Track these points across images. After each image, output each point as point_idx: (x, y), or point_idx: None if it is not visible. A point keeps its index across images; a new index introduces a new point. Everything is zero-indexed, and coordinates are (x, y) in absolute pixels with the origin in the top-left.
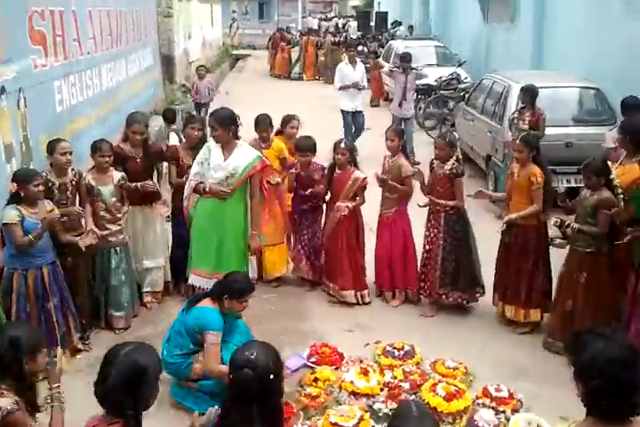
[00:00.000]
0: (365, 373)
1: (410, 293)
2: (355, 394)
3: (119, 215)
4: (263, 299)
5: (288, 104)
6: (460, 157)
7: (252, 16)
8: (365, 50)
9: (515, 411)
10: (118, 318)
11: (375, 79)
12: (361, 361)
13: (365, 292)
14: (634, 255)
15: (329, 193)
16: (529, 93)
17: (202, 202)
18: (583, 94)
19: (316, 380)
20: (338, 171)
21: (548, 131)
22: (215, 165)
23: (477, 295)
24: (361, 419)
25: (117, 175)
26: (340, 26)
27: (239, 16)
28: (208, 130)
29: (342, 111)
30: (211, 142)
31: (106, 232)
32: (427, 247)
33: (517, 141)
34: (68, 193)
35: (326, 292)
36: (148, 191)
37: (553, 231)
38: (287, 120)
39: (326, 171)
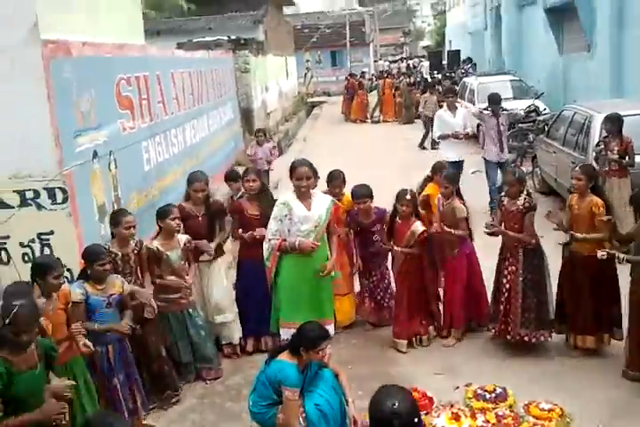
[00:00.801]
0: (457, 418)
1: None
2: None
3: (187, 277)
4: (352, 344)
5: (365, 148)
6: (531, 191)
7: (324, 64)
8: (441, 88)
9: None
10: (208, 370)
11: None
12: (452, 405)
13: (421, 337)
14: None
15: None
16: (615, 122)
17: (288, 258)
18: None
19: None
20: (399, 220)
21: (638, 158)
22: (301, 217)
23: (551, 332)
24: None
25: (183, 238)
26: (412, 66)
27: (313, 65)
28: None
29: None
30: (286, 197)
31: (177, 295)
32: (507, 286)
33: (576, 169)
34: (131, 262)
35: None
36: (204, 251)
37: None
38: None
39: (387, 219)
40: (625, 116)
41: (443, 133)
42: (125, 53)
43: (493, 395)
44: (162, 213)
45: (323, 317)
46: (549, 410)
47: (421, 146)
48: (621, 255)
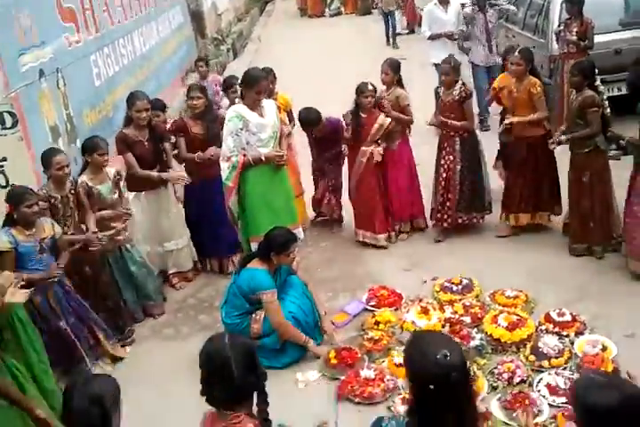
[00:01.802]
0: (426, 311)
1: (420, 222)
2: None
3: (122, 212)
4: (320, 247)
5: (324, 46)
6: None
7: None
8: None
9: (579, 334)
10: (152, 307)
11: (409, 4)
12: (420, 300)
13: (393, 233)
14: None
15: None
16: (575, 3)
17: (253, 172)
18: None
19: (377, 323)
20: (362, 115)
21: (596, 39)
22: (258, 126)
23: (485, 213)
24: None
25: (112, 171)
26: None
27: None
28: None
29: (434, 64)
30: (236, 109)
31: (112, 232)
32: (444, 175)
33: (515, 54)
34: (71, 204)
35: (360, 241)
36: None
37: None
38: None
39: (349, 117)
40: None
41: (434, 33)
42: None
43: (460, 286)
44: (89, 148)
45: (294, 222)
46: (514, 297)
47: (392, 43)
48: (563, 137)
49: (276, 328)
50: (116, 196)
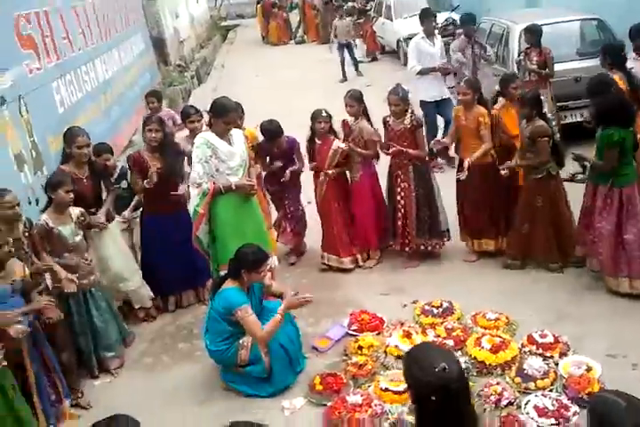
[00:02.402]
0: (408, 335)
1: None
2: (401, 358)
3: (86, 255)
4: (297, 273)
5: (286, 71)
6: (413, 109)
7: None
8: (356, 6)
9: (562, 355)
10: (111, 359)
11: (369, 33)
12: (402, 324)
13: (358, 255)
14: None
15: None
16: (533, 33)
17: (224, 199)
18: (585, 26)
19: (360, 348)
20: (317, 141)
21: (556, 67)
22: (227, 153)
23: (446, 240)
24: None
25: (76, 211)
26: None
27: None
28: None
29: (422, 102)
30: (205, 136)
31: (75, 276)
32: (401, 202)
33: (461, 84)
34: (25, 247)
35: (326, 264)
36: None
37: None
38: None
39: (305, 142)
40: (542, 25)
41: (424, 68)
42: None
43: (440, 309)
44: (54, 183)
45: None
46: (496, 319)
47: (355, 70)
48: (512, 163)
49: (260, 342)
50: (79, 238)
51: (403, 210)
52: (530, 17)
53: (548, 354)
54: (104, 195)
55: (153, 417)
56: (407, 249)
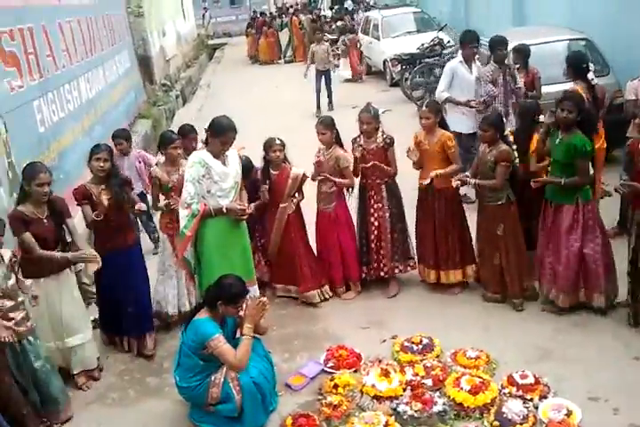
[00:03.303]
0: (386, 374)
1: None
2: (377, 398)
3: (20, 299)
4: (275, 304)
5: (273, 92)
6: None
7: (223, 3)
8: (342, 25)
9: (542, 397)
10: (57, 414)
11: (354, 54)
12: (380, 361)
13: (326, 287)
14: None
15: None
16: (521, 54)
17: (213, 222)
18: (573, 47)
19: (335, 386)
20: (273, 171)
21: (543, 89)
22: (221, 174)
23: (414, 261)
24: (386, 425)
25: (7, 253)
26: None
27: (210, 5)
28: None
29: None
30: (200, 155)
31: (11, 323)
32: (375, 224)
33: (423, 108)
34: None
35: (276, 295)
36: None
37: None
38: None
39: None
40: (530, 45)
41: (453, 98)
42: (4, 4)
43: (420, 346)
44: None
45: (250, 279)
46: (476, 358)
47: (328, 103)
48: (472, 180)
49: (235, 370)
50: (11, 282)
51: (376, 231)
52: (518, 36)
53: (528, 397)
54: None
55: None
56: (382, 274)
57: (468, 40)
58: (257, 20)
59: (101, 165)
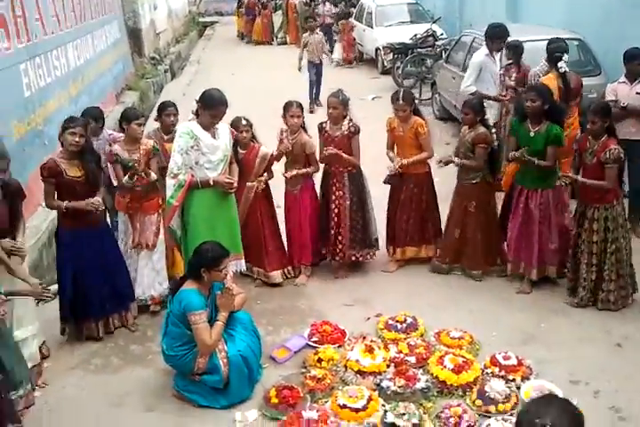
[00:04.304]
0: (370, 350)
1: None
2: (361, 373)
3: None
4: (259, 281)
5: (264, 72)
6: (352, 115)
7: None
8: (339, 10)
9: (525, 378)
10: (19, 399)
11: (347, 41)
12: (364, 337)
13: (290, 267)
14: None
15: None
16: (515, 50)
17: (199, 193)
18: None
19: (319, 360)
20: (241, 150)
21: None
22: (209, 146)
23: (375, 250)
24: (370, 399)
25: None
26: None
27: None
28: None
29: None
30: (189, 126)
31: None
32: (335, 211)
33: (399, 101)
34: None
35: (251, 277)
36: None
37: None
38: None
39: None
40: (523, 42)
41: (481, 92)
42: None
43: (404, 325)
44: None
45: (237, 252)
46: (459, 338)
47: (311, 106)
48: (456, 159)
49: (203, 351)
50: None
51: (336, 218)
52: (512, 33)
53: (510, 377)
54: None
55: (98, 421)
56: (337, 259)
57: (499, 35)
58: (249, 1)
59: (76, 140)
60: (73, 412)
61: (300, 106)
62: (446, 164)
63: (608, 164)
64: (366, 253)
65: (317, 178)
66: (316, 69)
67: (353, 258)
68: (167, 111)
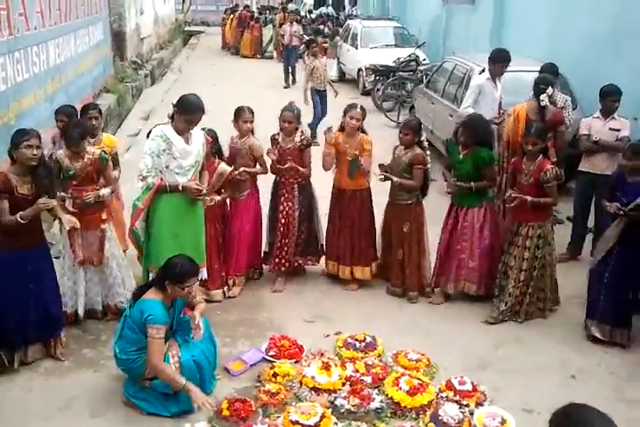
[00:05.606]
0: (327, 367)
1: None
2: (316, 390)
3: None
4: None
5: (246, 83)
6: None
7: None
8: (327, 30)
9: (479, 404)
10: None
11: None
12: (322, 354)
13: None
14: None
15: None
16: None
17: (166, 198)
18: None
19: (275, 375)
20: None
21: None
22: (181, 151)
23: (321, 255)
24: (322, 416)
25: None
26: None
27: None
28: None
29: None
30: (163, 130)
31: None
32: (282, 221)
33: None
34: None
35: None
36: None
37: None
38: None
39: None
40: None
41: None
42: None
43: (363, 344)
44: None
45: (200, 261)
46: (417, 360)
47: (313, 136)
48: (395, 179)
49: (151, 369)
50: None
51: (282, 229)
52: None
53: (464, 402)
54: None
55: (43, 424)
56: (283, 269)
57: (501, 59)
58: (242, 12)
59: (34, 153)
60: (19, 414)
61: (252, 111)
62: (385, 179)
63: (549, 182)
64: (308, 259)
65: (265, 187)
66: (320, 98)
67: (296, 264)
68: (89, 114)
